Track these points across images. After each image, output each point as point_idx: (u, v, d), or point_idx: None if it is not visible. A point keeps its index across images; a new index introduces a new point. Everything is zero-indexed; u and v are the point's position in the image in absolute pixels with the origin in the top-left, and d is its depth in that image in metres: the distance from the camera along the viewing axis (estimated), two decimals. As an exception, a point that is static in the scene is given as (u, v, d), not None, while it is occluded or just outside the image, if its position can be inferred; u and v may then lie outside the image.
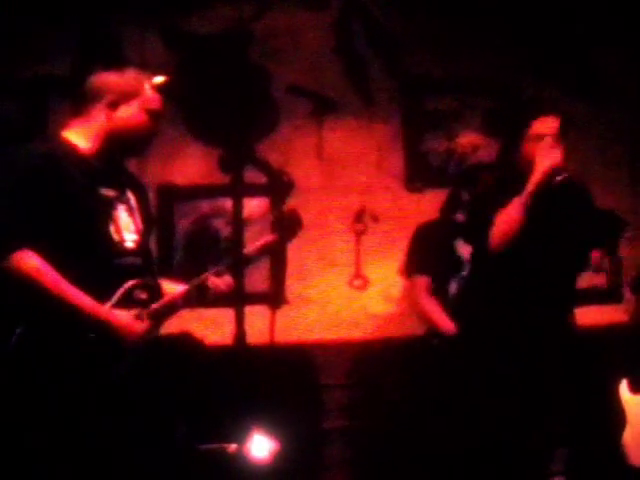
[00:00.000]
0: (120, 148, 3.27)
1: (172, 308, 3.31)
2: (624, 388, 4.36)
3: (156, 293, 3.29)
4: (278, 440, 3.52)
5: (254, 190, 4.49)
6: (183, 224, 5.32)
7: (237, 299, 3.03)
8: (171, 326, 3.93)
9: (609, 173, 5.32)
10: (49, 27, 5.19)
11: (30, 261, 3.04)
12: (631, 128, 5.45)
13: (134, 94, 3.24)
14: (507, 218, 3.92)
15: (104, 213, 3.21)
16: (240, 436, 3.15)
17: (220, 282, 3.35)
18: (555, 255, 4.10)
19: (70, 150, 3.21)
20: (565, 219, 4.12)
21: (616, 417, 4.30)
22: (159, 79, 3.37)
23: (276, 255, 5.19)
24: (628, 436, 4.31)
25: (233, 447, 3.46)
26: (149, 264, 3.32)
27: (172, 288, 3.37)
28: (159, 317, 3.28)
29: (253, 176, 3.24)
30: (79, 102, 3.28)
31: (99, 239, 3.17)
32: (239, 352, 2.96)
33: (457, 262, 4.54)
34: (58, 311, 3.05)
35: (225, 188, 4.26)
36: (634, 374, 4.36)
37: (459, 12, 5.42)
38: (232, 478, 3.35)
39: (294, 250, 5.24)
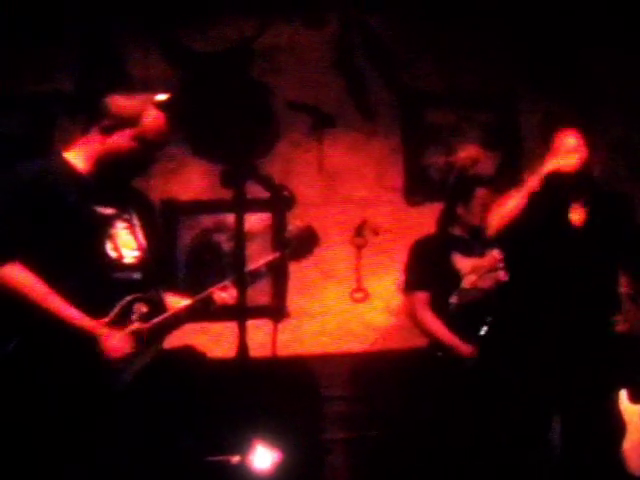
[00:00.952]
0: (112, 172, 3.29)
1: (175, 322, 3.34)
2: (624, 398, 4.37)
3: (158, 307, 3.32)
4: (280, 451, 3.55)
5: (256, 205, 4.51)
6: (186, 239, 5.36)
7: (239, 313, 3.06)
8: (174, 340, 3.97)
9: (606, 185, 5.35)
10: (54, 44, 5.24)
11: (16, 274, 3.09)
12: (629, 140, 5.48)
13: (131, 122, 3.25)
14: (505, 203, 4.21)
15: (100, 230, 3.24)
16: (243, 448, 3.17)
17: (226, 296, 3.38)
18: (588, 265, 4.19)
19: (68, 169, 3.26)
20: (602, 228, 4.22)
21: (616, 426, 4.31)
22: (162, 97, 3.41)
23: (277, 269, 5.23)
24: (628, 445, 4.32)
25: (236, 458, 3.48)
26: (151, 279, 3.34)
27: (177, 302, 3.41)
28: (161, 331, 3.31)
29: (255, 191, 3.26)
30: (89, 121, 3.34)
31: (92, 255, 3.20)
32: (241, 365, 2.98)
33: (455, 276, 4.55)
34: (47, 323, 3.08)
35: (227, 203, 4.26)
36: (633, 384, 4.36)
37: (457, 26, 5.46)
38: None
39: (295, 264, 5.26)
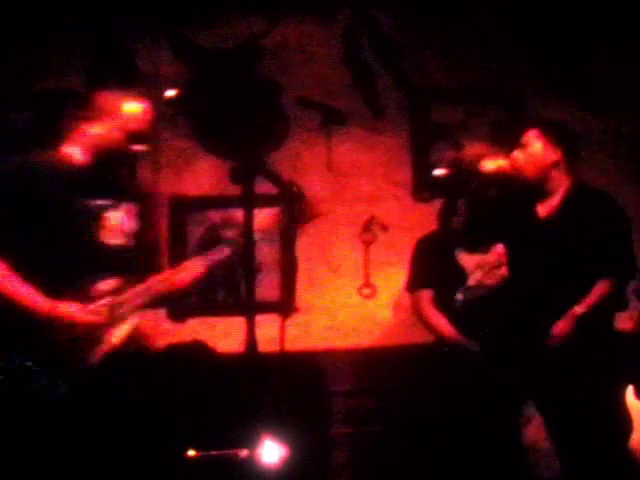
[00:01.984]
0: (103, 161, 3.47)
1: (135, 301, 3.42)
2: (630, 394, 4.38)
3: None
4: (288, 446, 3.56)
5: (264, 201, 4.53)
6: (194, 234, 5.38)
7: (248, 308, 3.09)
8: (183, 335, 3.99)
9: (610, 182, 5.35)
10: (62, 41, 5.25)
11: None
12: (636, 138, 5.48)
13: (111, 114, 3.45)
14: None
15: (89, 218, 3.39)
16: (251, 442, 3.20)
17: (186, 274, 3.48)
18: (561, 259, 4.18)
19: (62, 162, 3.43)
20: (577, 224, 4.21)
21: (623, 423, 4.31)
22: (171, 92, 3.45)
23: (287, 265, 5.26)
24: (635, 442, 4.32)
25: (244, 453, 3.51)
26: (135, 264, 3.50)
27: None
28: (121, 308, 3.38)
29: (263, 187, 3.30)
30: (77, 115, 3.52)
31: (78, 240, 3.34)
32: (250, 360, 3.01)
33: (460, 273, 4.56)
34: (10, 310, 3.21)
35: (236, 199, 4.31)
36: (640, 380, 4.38)
37: (465, 23, 5.47)
38: None
39: (304, 259, 5.31)
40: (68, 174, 3.41)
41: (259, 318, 3.01)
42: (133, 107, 3.48)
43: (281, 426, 3.43)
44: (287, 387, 4.75)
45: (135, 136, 3.47)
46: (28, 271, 3.23)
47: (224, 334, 4.88)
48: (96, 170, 3.47)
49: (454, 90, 5.53)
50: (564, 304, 4.13)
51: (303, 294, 5.30)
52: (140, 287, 3.43)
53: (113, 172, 3.54)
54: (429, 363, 4.64)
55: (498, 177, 4.21)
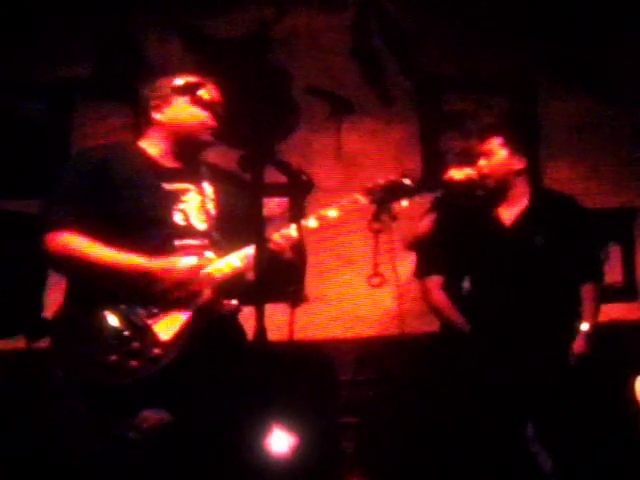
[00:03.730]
0: (188, 143, 3.46)
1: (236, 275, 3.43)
2: (639, 384, 4.39)
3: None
4: (297, 435, 3.58)
5: (274, 190, 4.55)
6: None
7: (257, 297, 3.09)
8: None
9: (622, 171, 5.35)
10: (71, 29, 5.26)
11: (59, 240, 3.24)
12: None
13: (177, 92, 3.43)
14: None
15: (169, 203, 3.37)
16: (260, 431, 3.21)
17: (282, 241, 3.53)
18: (524, 262, 4.21)
19: (137, 153, 3.43)
20: (539, 228, 4.23)
21: (631, 413, 4.33)
22: (179, 81, 3.46)
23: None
24: (643, 431, 4.35)
25: (254, 440, 3.51)
26: (215, 245, 3.43)
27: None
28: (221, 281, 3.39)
29: (273, 176, 3.31)
30: (141, 113, 3.51)
31: (159, 224, 3.33)
32: (259, 349, 3.02)
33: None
34: (100, 277, 3.22)
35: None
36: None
37: (475, 11, 5.47)
38: (253, 471, 3.43)
39: (313, 249, 5.28)
40: (147, 163, 3.42)
41: (268, 307, 3.01)
42: (201, 79, 3.48)
43: (290, 415, 3.44)
44: (296, 376, 4.76)
45: (210, 105, 3.47)
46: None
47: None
48: (173, 158, 3.46)
49: (464, 80, 5.53)
50: (534, 310, 4.18)
51: (312, 283, 5.29)
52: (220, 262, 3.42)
53: (192, 155, 3.52)
54: (438, 352, 4.65)
55: (466, 185, 4.23)
